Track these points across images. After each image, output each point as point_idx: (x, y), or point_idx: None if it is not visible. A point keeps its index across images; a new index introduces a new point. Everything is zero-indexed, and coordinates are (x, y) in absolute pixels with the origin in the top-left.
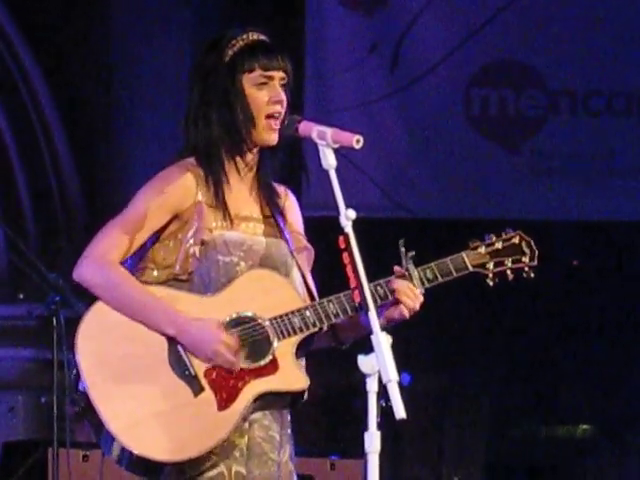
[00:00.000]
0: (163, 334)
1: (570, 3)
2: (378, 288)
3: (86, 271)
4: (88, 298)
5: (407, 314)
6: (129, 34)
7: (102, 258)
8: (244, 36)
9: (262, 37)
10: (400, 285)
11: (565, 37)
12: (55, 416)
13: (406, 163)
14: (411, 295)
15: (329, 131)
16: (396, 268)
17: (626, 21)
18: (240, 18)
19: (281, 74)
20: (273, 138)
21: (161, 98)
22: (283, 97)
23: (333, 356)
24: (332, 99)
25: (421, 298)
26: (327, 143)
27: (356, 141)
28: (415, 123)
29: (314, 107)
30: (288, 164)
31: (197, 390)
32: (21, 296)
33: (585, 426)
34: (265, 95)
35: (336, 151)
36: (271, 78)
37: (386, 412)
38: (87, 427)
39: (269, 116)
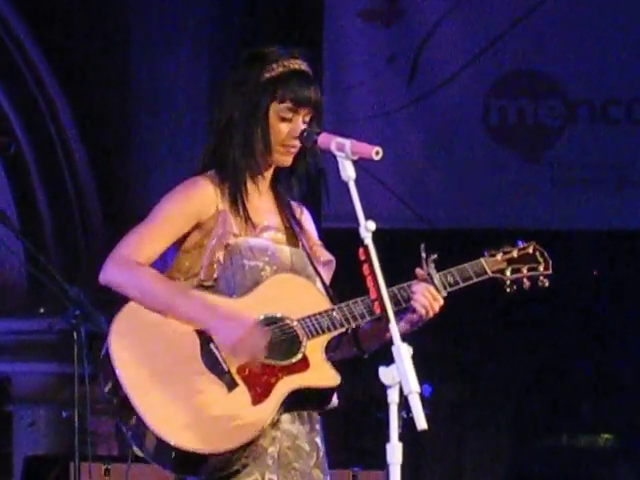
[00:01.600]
0: (195, 325)
1: (587, 12)
2: (401, 291)
3: (113, 272)
4: (109, 312)
5: (424, 313)
6: (148, 49)
7: (128, 259)
8: (285, 62)
9: (304, 67)
10: (419, 287)
11: (583, 46)
12: (76, 430)
13: (425, 173)
14: (429, 295)
15: (348, 143)
16: (418, 271)
17: None
18: (260, 31)
19: (307, 110)
20: (288, 161)
21: (179, 112)
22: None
23: (355, 367)
24: (350, 110)
25: (441, 301)
26: (346, 155)
27: (375, 153)
28: (434, 133)
29: (332, 118)
30: (308, 176)
31: (231, 385)
32: (42, 310)
33: (607, 436)
34: (286, 128)
35: (355, 162)
36: (297, 113)
37: (408, 423)
38: (108, 440)
39: (284, 146)
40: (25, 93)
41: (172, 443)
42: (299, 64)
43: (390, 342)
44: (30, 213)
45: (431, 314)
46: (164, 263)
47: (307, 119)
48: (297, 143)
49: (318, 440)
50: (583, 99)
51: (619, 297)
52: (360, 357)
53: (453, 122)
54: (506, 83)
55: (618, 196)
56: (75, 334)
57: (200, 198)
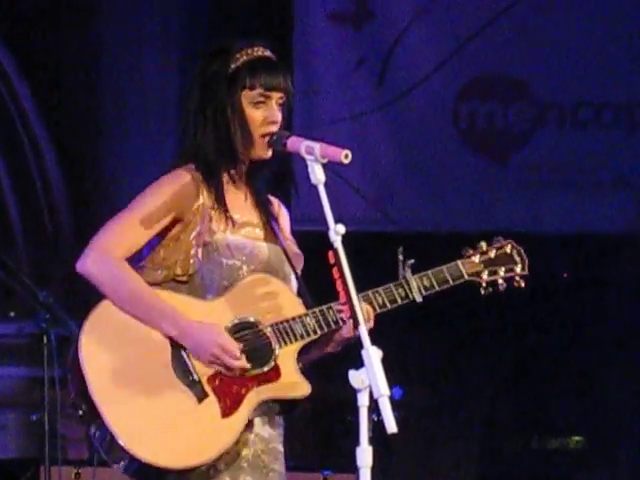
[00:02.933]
0: (165, 335)
1: (556, 16)
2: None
3: (91, 265)
4: (78, 316)
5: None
6: (117, 49)
7: (108, 253)
8: (249, 50)
9: (267, 53)
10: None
11: (552, 50)
12: (47, 434)
13: (395, 176)
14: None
15: (317, 146)
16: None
17: (612, 33)
18: (229, 33)
19: (280, 94)
20: (268, 154)
21: (149, 113)
22: (279, 118)
23: (325, 370)
24: (320, 113)
25: (371, 323)
26: (315, 158)
27: (344, 156)
28: (403, 137)
29: (302, 121)
30: (277, 178)
31: (201, 396)
32: (12, 314)
33: (577, 438)
34: (261, 115)
35: (324, 166)
36: (269, 97)
37: (378, 426)
38: (78, 444)
39: (264, 135)
40: None
41: (138, 456)
42: (262, 51)
43: (348, 345)
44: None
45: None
46: (141, 251)
47: (281, 103)
48: (274, 129)
49: (282, 439)
50: (552, 102)
51: (588, 299)
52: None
53: (423, 125)
54: (475, 86)
55: (587, 199)
56: (45, 338)
57: (182, 191)
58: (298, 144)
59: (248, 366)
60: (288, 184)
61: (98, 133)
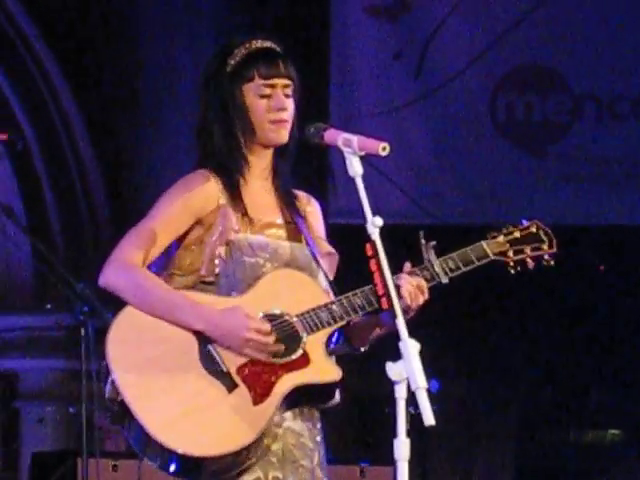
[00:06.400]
0: (192, 330)
1: (594, 8)
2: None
3: (110, 275)
4: (116, 308)
5: (407, 305)
6: (155, 37)
7: (125, 261)
8: (247, 44)
9: (266, 44)
10: (404, 281)
11: (590, 41)
12: (84, 426)
13: (432, 169)
14: (412, 290)
15: (355, 139)
16: (406, 265)
17: None
18: (266, 28)
19: (284, 81)
20: (282, 135)
21: (186, 104)
22: (286, 104)
23: (362, 363)
24: (357, 106)
25: (426, 294)
26: (353, 151)
27: (382, 148)
28: (440, 129)
29: (339, 114)
30: (315, 172)
31: (231, 386)
32: (49, 306)
33: (614, 431)
34: (266, 104)
35: (362, 158)
36: (274, 87)
37: (415, 419)
38: (116, 436)
39: (274, 122)
40: (32, 89)
41: (173, 448)
42: (261, 42)
43: (386, 337)
44: (37, 209)
45: (414, 306)
46: (166, 258)
47: (288, 92)
48: (285, 116)
49: (319, 439)
50: (590, 95)
51: (626, 292)
52: (355, 354)
53: (460, 118)
54: (513, 78)
55: (625, 191)
56: (82, 330)
57: (201, 193)
58: (336, 136)
59: (281, 347)
60: (325, 177)
61: (136, 126)
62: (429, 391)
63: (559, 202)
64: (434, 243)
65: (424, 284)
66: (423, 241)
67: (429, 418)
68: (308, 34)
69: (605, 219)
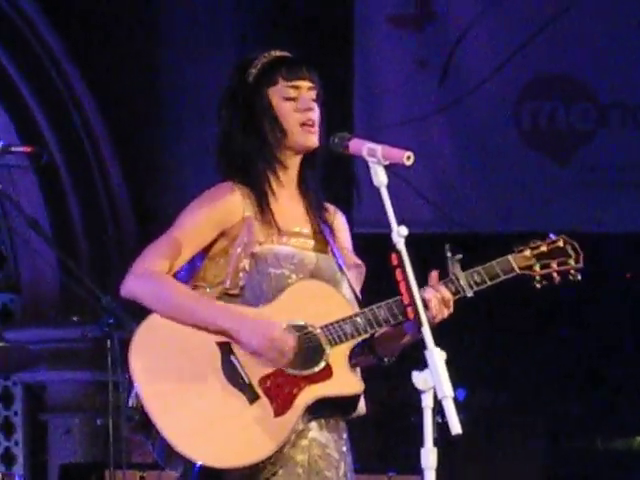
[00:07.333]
0: (215, 341)
1: (619, 15)
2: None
3: (132, 284)
4: (141, 319)
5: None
6: (177, 47)
7: (147, 269)
8: (266, 54)
9: (284, 53)
10: (429, 294)
11: (614, 49)
12: (111, 437)
13: (456, 178)
14: (437, 303)
15: (379, 148)
16: (432, 274)
17: None
18: (290, 39)
19: (307, 83)
20: (312, 140)
21: (212, 119)
22: (312, 105)
23: (388, 372)
24: (382, 116)
25: (451, 308)
26: (378, 160)
27: (407, 158)
28: (465, 138)
29: (364, 124)
30: (340, 182)
31: (252, 398)
32: (75, 318)
33: None
34: (292, 106)
35: (387, 168)
36: (298, 89)
37: (442, 428)
38: (143, 447)
39: (302, 124)
40: (56, 100)
41: (194, 459)
42: (280, 52)
43: (409, 348)
44: (62, 221)
45: (438, 319)
46: (192, 270)
47: (313, 95)
48: (313, 116)
49: (345, 449)
50: (615, 102)
51: None
52: (380, 365)
53: (485, 126)
54: (537, 87)
55: None
56: (109, 342)
57: (226, 205)
58: (360, 146)
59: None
60: (350, 187)
61: (159, 133)
62: (456, 400)
63: (585, 210)
64: (460, 256)
65: (450, 297)
66: (449, 254)
67: (456, 427)
68: (331, 45)
69: (632, 226)
